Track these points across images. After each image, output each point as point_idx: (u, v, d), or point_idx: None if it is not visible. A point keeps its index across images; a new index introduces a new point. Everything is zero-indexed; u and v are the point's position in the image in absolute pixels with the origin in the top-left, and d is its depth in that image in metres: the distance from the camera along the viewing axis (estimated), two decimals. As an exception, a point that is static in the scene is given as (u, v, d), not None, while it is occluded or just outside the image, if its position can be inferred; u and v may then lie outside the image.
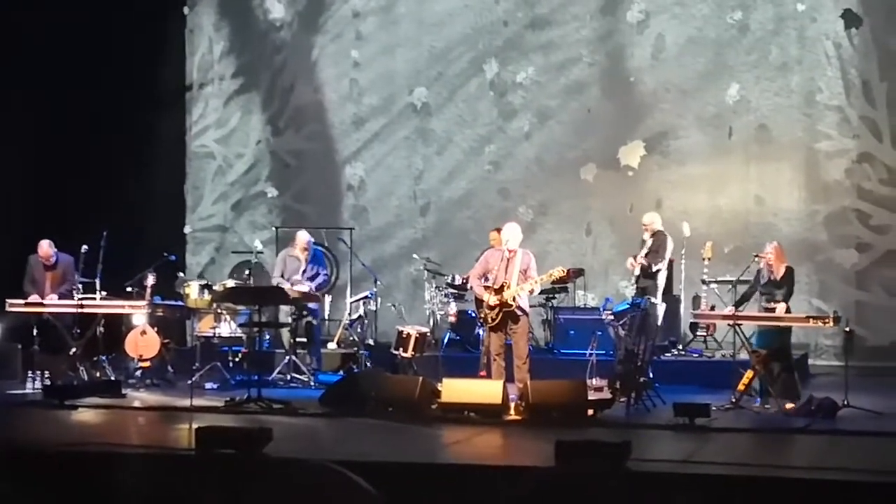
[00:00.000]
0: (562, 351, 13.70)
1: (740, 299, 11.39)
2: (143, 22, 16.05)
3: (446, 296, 14.26)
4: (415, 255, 15.57)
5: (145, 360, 12.56)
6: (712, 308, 12.14)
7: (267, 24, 17.18)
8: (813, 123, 14.97)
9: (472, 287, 11.90)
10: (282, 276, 12.98)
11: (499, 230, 12.23)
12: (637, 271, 12.75)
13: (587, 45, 15.88)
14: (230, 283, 13.33)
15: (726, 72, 15.28)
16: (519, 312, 11.15)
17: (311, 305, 12.99)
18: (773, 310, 11.09)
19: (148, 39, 16.29)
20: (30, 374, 12.26)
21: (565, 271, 11.71)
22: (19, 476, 7.33)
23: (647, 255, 12.73)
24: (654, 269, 12.70)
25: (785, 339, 11.16)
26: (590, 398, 10.31)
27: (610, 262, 15.36)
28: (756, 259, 11.53)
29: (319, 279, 13.23)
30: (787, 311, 11.10)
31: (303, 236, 13.32)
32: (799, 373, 11.62)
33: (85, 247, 12.47)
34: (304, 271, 13.04)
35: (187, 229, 17.30)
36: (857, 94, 14.83)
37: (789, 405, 10.63)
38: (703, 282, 12.92)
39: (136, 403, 11.29)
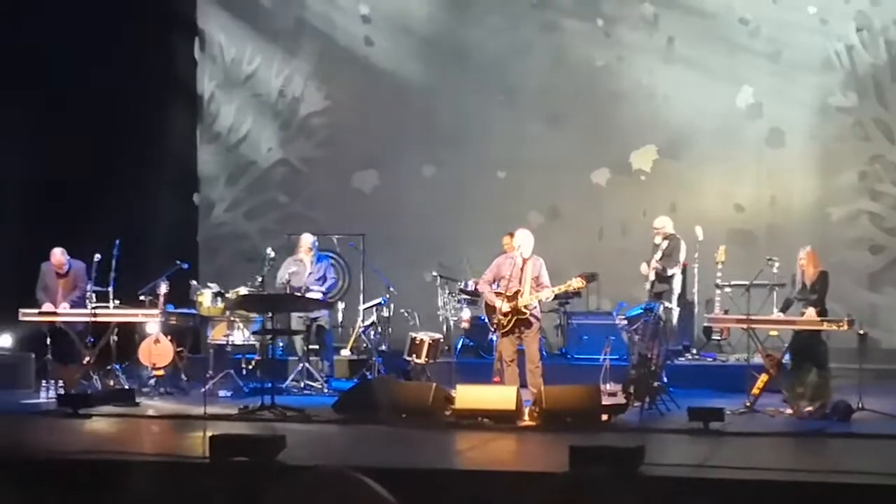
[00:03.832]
0: (575, 356, 13.67)
1: (784, 305, 11.47)
2: (155, 28, 16.07)
3: (459, 302, 14.22)
4: (429, 274, 15.26)
5: (159, 368, 12.54)
6: (726, 312, 12.12)
7: (277, 31, 17.16)
8: (825, 126, 14.93)
9: (482, 293, 11.88)
10: (287, 282, 12.85)
11: (511, 235, 12.19)
12: (651, 276, 12.73)
13: (599, 48, 15.84)
14: (243, 291, 13.29)
15: (738, 75, 15.24)
16: (532, 319, 11.14)
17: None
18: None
19: (159, 46, 16.31)
20: (43, 384, 12.24)
21: (582, 283, 11.65)
22: (34, 485, 7.33)
23: (660, 259, 12.70)
24: (669, 273, 12.67)
25: (817, 342, 11.13)
26: (603, 403, 10.28)
27: (623, 266, 15.27)
28: (769, 262, 11.51)
29: (329, 282, 13.16)
30: (823, 314, 11.04)
31: (306, 238, 13.26)
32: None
33: (98, 255, 12.48)
34: (311, 273, 12.97)
35: (199, 237, 17.31)
36: (869, 97, 14.78)
37: (808, 408, 10.55)
38: (717, 286, 12.88)
39: (150, 412, 11.30)
